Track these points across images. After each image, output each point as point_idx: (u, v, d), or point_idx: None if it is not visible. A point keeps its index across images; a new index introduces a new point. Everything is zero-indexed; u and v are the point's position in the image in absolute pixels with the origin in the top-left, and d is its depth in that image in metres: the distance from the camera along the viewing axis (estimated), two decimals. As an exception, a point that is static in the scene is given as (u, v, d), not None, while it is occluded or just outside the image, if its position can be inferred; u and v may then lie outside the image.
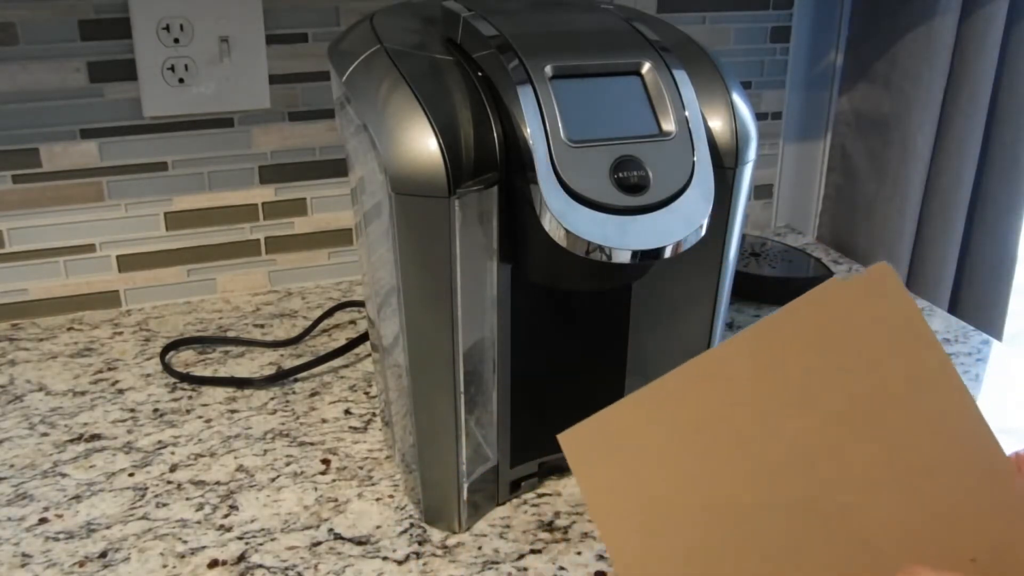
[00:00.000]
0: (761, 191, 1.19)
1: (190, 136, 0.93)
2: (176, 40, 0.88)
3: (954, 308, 1.19)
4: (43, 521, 0.66)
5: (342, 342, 0.87)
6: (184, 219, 0.96)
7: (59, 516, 0.67)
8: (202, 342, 0.90)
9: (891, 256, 1.12)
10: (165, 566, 0.62)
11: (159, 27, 0.88)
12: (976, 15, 1.04)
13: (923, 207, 1.13)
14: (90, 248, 0.94)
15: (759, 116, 1.15)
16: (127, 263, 0.96)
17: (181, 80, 0.90)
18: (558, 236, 0.52)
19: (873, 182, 1.12)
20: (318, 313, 0.95)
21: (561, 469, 0.71)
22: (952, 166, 1.10)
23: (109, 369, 0.86)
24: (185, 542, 0.64)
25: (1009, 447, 0.79)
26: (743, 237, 1.11)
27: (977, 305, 1.19)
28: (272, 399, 0.81)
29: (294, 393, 0.82)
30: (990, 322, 1.18)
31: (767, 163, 1.18)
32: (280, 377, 0.83)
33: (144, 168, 0.93)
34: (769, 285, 1.00)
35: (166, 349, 0.87)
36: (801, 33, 1.13)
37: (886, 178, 1.11)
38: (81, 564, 0.62)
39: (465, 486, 0.64)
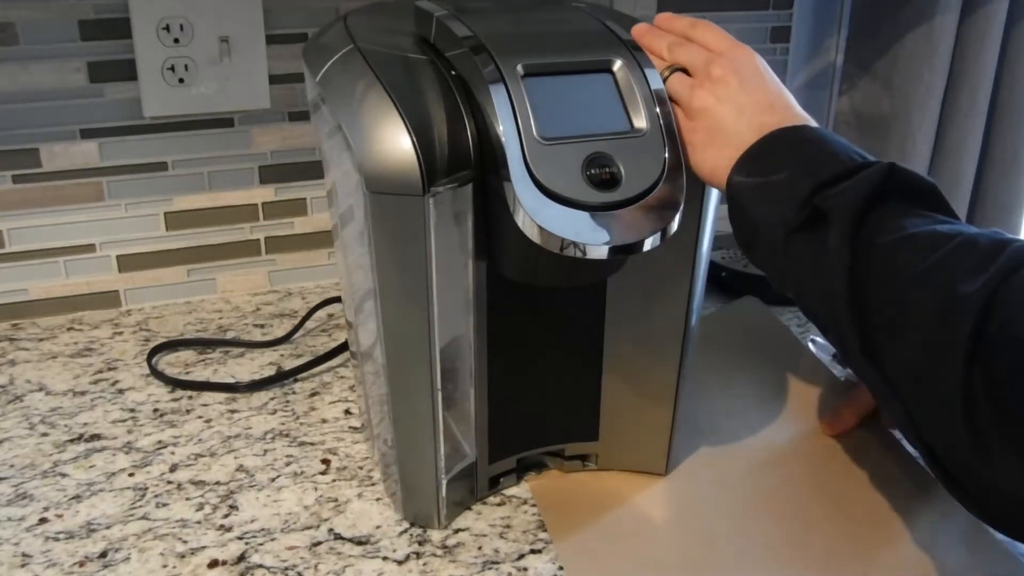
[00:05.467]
0: (761, 191, 1.19)
1: (190, 136, 0.93)
2: (176, 40, 0.88)
3: (954, 308, 1.19)
4: (43, 521, 0.66)
5: (341, 341, 0.87)
6: (184, 219, 0.96)
7: (59, 516, 0.66)
8: (188, 344, 0.90)
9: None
10: (165, 566, 0.62)
11: (159, 27, 0.88)
12: (976, 15, 1.03)
13: (923, 207, 1.13)
14: (90, 248, 0.94)
15: (759, 116, 1.15)
16: (127, 263, 0.96)
17: (181, 80, 0.90)
18: (532, 233, 0.52)
19: (873, 182, 1.12)
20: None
21: (539, 465, 0.71)
22: (952, 166, 1.10)
23: (109, 369, 0.86)
24: (185, 542, 0.64)
25: None
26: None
27: (977, 305, 1.19)
28: (272, 399, 0.81)
29: (294, 393, 0.82)
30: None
31: (767, 163, 1.18)
32: (270, 382, 0.83)
33: (144, 168, 0.93)
34: (769, 285, 1.00)
35: (152, 352, 0.87)
36: (801, 33, 1.13)
37: (886, 178, 1.10)
38: (81, 564, 0.62)
39: (444, 483, 0.64)
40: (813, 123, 0.56)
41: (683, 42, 0.61)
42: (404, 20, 0.65)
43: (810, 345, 0.86)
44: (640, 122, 0.56)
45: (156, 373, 0.84)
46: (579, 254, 0.53)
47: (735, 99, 0.57)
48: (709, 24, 0.61)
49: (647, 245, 0.54)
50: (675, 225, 0.55)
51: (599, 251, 0.53)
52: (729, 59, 0.58)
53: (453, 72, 0.57)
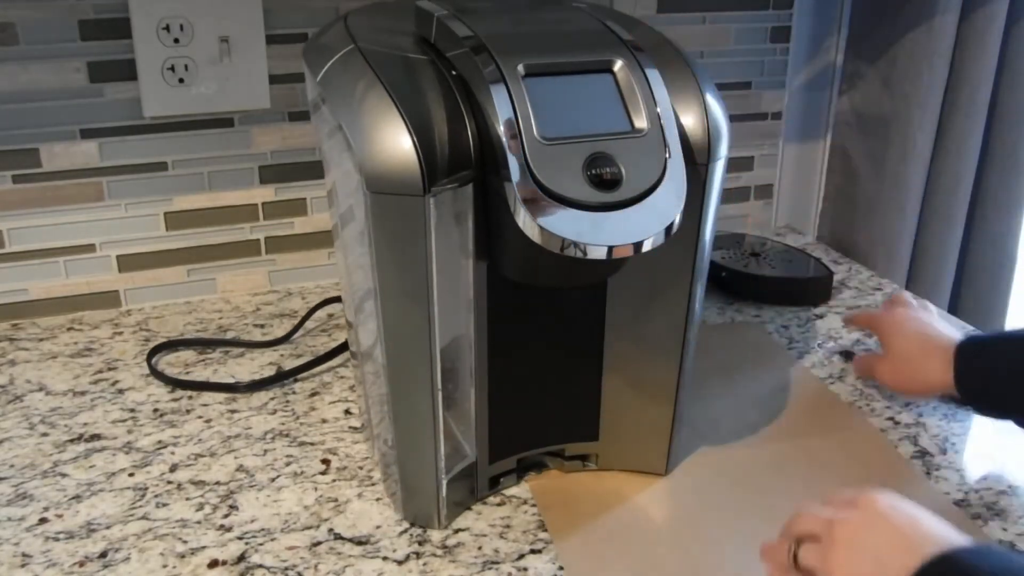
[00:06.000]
0: (761, 191, 1.19)
1: (190, 136, 0.93)
2: (176, 40, 0.88)
3: (954, 308, 1.19)
4: (43, 521, 0.66)
5: (341, 341, 0.87)
6: (184, 219, 0.96)
7: (59, 516, 0.66)
8: (189, 344, 0.90)
9: (891, 256, 1.12)
10: (165, 566, 0.62)
11: (159, 27, 0.88)
12: (976, 15, 1.03)
13: (923, 207, 1.13)
14: (90, 248, 0.94)
15: (759, 116, 1.15)
16: (127, 263, 0.96)
17: (181, 80, 0.90)
18: (532, 233, 0.53)
19: (873, 182, 1.12)
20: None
21: (539, 465, 0.71)
22: (952, 166, 1.10)
23: (109, 369, 0.86)
24: (185, 542, 0.64)
25: (1009, 447, 0.79)
26: (744, 236, 1.11)
27: (977, 305, 1.19)
28: (272, 399, 0.81)
29: (294, 393, 0.82)
30: (990, 322, 1.18)
31: (767, 163, 1.18)
32: (270, 382, 0.83)
33: (144, 168, 0.93)
34: (769, 285, 1.00)
35: (152, 352, 0.87)
36: (801, 33, 1.13)
37: (886, 178, 1.11)
38: (81, 564, 0.62)
39: (444, 482, 0.64)
40: (959, 542, 0.49)
41: (796, 519, 0.55)
42: (404, 20, 0.65)
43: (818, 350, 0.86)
44: (641, 122, 0.56)
45: (156, 373, 0.84)
46: (579, 254, 0.53)
47: (870, 556, 0.50)
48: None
49: (647, 245, 0.54)
50: (676, 225, 0.55)
51: (599, 251, 0.53)
52: (853, 512, 0.52)
53: (454, 72, 0.57)
